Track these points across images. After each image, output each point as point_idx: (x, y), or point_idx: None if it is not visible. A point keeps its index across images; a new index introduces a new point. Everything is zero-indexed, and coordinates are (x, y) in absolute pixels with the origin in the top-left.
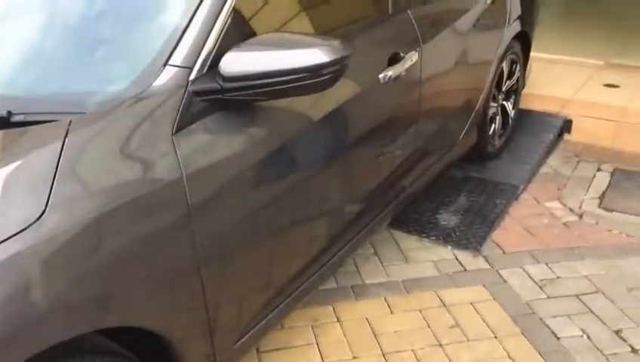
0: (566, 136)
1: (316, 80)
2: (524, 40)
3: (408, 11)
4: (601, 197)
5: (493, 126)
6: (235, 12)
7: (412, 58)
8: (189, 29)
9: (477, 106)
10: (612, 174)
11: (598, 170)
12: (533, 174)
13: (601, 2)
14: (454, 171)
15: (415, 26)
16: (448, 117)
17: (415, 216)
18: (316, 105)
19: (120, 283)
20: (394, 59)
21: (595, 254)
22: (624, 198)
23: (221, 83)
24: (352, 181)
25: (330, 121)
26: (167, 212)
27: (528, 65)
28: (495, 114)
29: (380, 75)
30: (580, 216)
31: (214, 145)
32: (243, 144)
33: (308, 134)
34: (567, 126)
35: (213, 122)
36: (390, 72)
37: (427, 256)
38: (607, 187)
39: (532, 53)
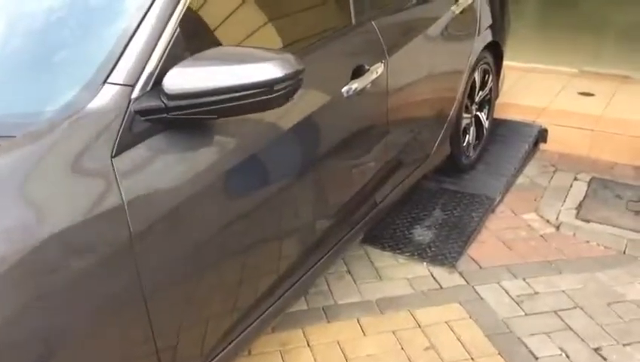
0: (542, 146)
1: (269, 96)
2: (496, 50)
3: (372, 22)
4: (578, 207)
5: (467, 137)
6: (184, 25)
7: (377, 70)
8: (131, 43)
9: (449, 117)
10: (589, 183)
11: (575, 179)
12: (510, 185)
13: (574, 11)
14: (429, 183)
15: (380, 37)
16: (419, 129)
17: (389, 232)
18: (275, 121)
19: (57, 322)
20: (358, 72)
21: (572, 267)
22: (601, 208)
23: (165, 101)
24: (319, 197)
25: (290, 137)
26: (105, 242)
27: (501, 75)
28: (469, 125)
29: (343, 89)
30: (557, 228)
31: (160, 167)
32: (193, 164)
33: (266, 151)
34: (542, 135)
35: (158, 143)
36: (354, 85)
37: (402, 273)
38: (584, 197)
39: (506, 62)
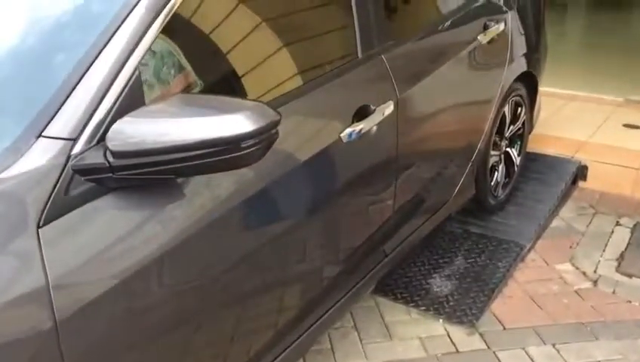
0: (581, 184)
1: (236, 154)
2: (529, 81)
3: (382, 56)
4: (620, 258)
5: (495, 176)
6: (145, 66)
7: (385, 110)
8: (76, 88)
9: (474, 156)
10: (632, 230)
11: (617, 224)
12: (543, 229)
13: (620, 36)
14: (452, 225)
15: (390, 72)
16: (438, 172)
17: (404, 281)
18: (257, 174)
19: None
20: (362, 113)
21: (611, 332)
22: None
23: (110, 159)
24: (314, 254)
25: (275, 192)
26: (23, 332)
27: (536, 107)
28: (497, 163)
29: (343, 133)
30: (595, 283)
31: (100, 237)
32: (147, 233)
33: (244, 211)
34: (582, 172)
35: (101, 207)
36: (356, 128)
37: (414, 331)
38: (627, 246)
39: (545, 89)
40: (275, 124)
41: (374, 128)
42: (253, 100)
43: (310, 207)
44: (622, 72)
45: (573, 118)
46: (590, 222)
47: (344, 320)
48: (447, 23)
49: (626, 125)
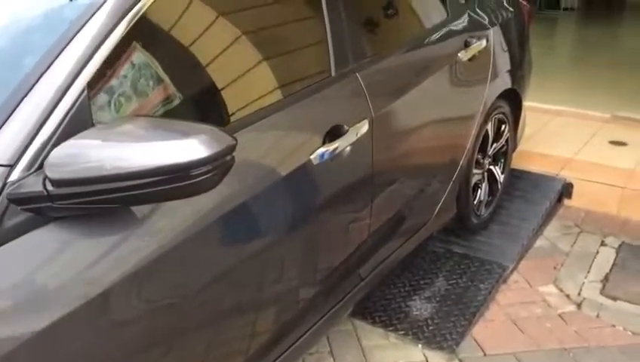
0: (566, 202)
1: (186, 182)
2: (513, 98)
3: (357, 74)
4: (604, 280)
5: (477, 194)
6: (95, 86)
7: (359, 130)
8: (15, 112)
9: (454, 176)
10: (617, 250)
11: (602, 244)
12: (527, 249)
13: (610, 50)
14: (435, 244)
15: (364, 91)
16: (416, 192)
17: (383, 303)
18: (214, 200)
19: None
20: (335, 134)
21: (594, 359)
22: (631, 282)
23: (49, 188)
24: (289, 274)
25: (236, 218)
26: None
27: (520, 124)
28: (480, 181)
29: (313, 155)
30: (579, 306)
31: (37, 271)
32: (90, 265)
33: (200, 238)
34: (567, 190)
35: (41, 239)
36: (328, 149)
37: (392, 357)
38: (612, 267)
39: (531, 104)
40: (231, 149)
41: (348, 149)
42: (208, 124)
43: (278, 231)
44: (610, 87)
45: (558, 134)
46: (575, 242)
47: (320, 345)
48: (427, 40)
49: (613, 142)
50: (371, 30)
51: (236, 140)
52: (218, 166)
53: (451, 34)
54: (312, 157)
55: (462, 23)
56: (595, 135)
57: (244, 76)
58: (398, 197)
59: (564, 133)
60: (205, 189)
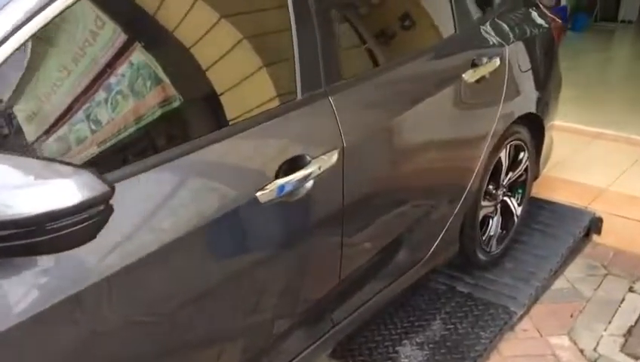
0: (594, 238)
1: (40, 239)
2: (534, 122)
3: (329, 97)
4: (627, 334)
5: (487, 229)
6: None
7: (326, 162)
8: None
9: (455, 210)
10: None
11: (630, 289)
12: (542, 291)
13: None
14: (437, 280)
15: (336, 116)
16: (400, 232)
17: (369, 346)
18: (137, 241)
19: None
20: (292, 166)
21: None
22: None
23: None
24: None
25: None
26: None
27: (544, 152)
28: (491, 214)
29: (261, 192)
30: None
31: None
32: None
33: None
34: (596, 225)
35: None
36: (280, 184)
37: None
38: (637, 319)
39: (568, 124)
40: (104, 198)
41: (309, 183)
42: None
43: (212, 278)
44: None
45: (595, 159)
46: (599, 286)
47: None
48: (424, 59)
49: None
50: (354, 46)
51: (113, 188)
52: (86, 219)
53: (457, 52)
54: (258, 194)
55: (472, 40)
56: (636, 163)
57: (190, 99)
58: (378, 237)
59: (601, 159)
60: (68, 246)
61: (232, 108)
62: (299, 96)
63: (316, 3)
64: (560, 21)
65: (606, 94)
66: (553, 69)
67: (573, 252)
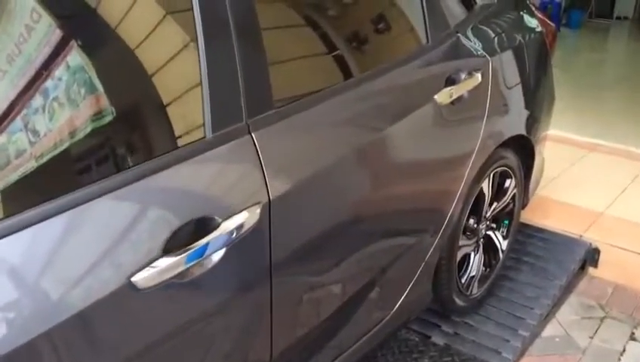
0: (591, 270)
1: None
2: (523, 145)
3: (251, 134)
4: None
5: (468, 269)
6: None
7: (244, 221)
8: None
9: (426, 257)
10: None
11: (631, 337)
12: (531, 341)
13: None
14: (411, 328)
15: (260, 159)
16: (355, 292)
17: None
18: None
19: None
20: (193, 232)
21: None
22: None
23: None
24: None
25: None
26: None
27: (533, 177)
28: (471, 252)
29: (137, 276)
30: None
31: None
32: None
33: None
34: (592, 257)
35: None
36: (163, 264)
37: None
38: None
39: (563, 134)
40: None
41: (218, 254)
42: None
43: None
44: None
45: (590, 176)
46: (596, 332)
47: None
48: (380, 79)
49: None
50: (291, 65)
51: None
52: None
53: (428, 67)
54: (134, 279)
55: (448, 51)
56: (636, 180)
57: (62, 141)
58: (323, 305)
59: (598, 176)
60: None
61: (102, 156)
62: (208, 135)
63: (235, 6)
64: (553, 25)
65: (602, 98)
66: (546, 81)
67: (568, 288)
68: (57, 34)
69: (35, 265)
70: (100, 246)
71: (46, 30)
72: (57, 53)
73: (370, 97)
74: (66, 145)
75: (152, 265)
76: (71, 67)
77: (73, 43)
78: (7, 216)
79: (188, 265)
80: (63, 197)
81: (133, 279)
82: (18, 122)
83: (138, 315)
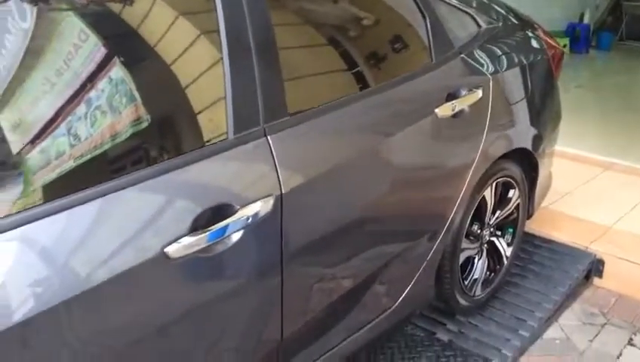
0: (595, 281)
1: None
2: (526, 157)
3: (267, 137)
4: None
5: (471, 271)
6: None
7: (258, 211)
8: None
9: (428, 256)
10: None
11: (629, 342)
12: (531, 342)
13: None
14: (418, 324)
15: (274, 158)
16: (356, 285)
17: None
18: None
19: None
20: (214, 216)
21: None
22: None
23: None
24: None
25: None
26: None
27: (538, 188)
28: (476, 255)
29: (170, 248)
30: None
31: None
32: None
33: None
34: (597, 268)
35: None
36: (195, 238)
37: None
38: None
39: (577, 152)
40: None
41: (236, 235)
42: None
43: (119, 344)
44: None
45: (603, 193)
46: (595, 336)
47: None
48: (387, 92)
49: None
50: (305, 77)
51: None
52: None
53: (430, 84)
54: (168, 249)
55: (450, 70)
56: None
57: (103, 138)
58: (330, 290)
59: (610, 193)
60: None
61: (143, 151)
62: (230, 136)
63: (255, 26)
64: (560, 47)
65: (626, 120)
66: (549, 99)
67: (572, 295)
68: (102, 51)
69: (101, 233)
70: (141, 221)
71: (92, 48)
72: (101, 68)
73: (375, 109)
74: (118, 145)
75: (181, 240)
76: (113, 80)
77: (116, 60)
78: (80, 194)
79: (210, 243)
80: (117, 182)
81: (165, 249)
82: (82, 123)
83: (167, 281)
